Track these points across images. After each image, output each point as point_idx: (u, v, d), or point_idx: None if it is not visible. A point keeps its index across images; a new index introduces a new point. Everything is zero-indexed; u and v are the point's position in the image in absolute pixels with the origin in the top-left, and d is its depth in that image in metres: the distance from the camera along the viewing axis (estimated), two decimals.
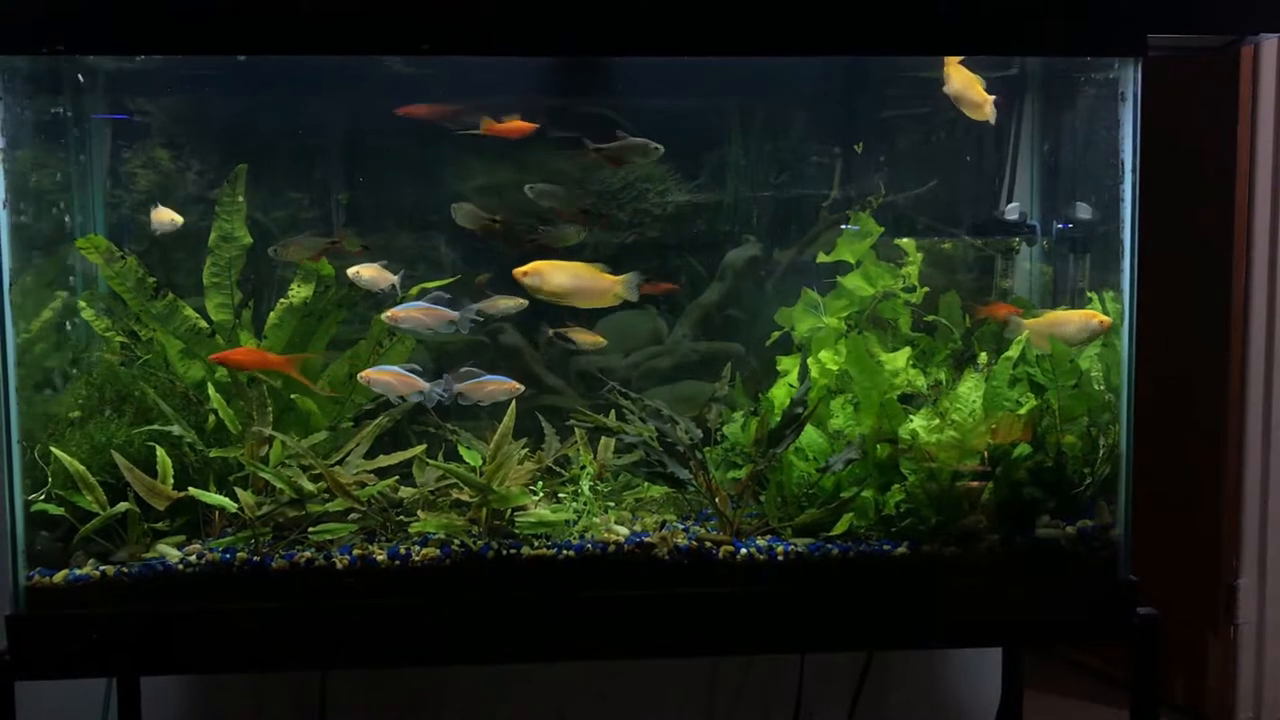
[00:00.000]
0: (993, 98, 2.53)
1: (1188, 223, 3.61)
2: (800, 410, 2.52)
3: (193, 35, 2.26)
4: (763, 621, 2.41)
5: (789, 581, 2.40)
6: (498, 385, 2.52)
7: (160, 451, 2.42)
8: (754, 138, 2.92)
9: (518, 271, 2.54)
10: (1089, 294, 2.69)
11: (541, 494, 2.55)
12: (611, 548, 2.41)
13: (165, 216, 2.58)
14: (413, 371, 2.48)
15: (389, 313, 2.53)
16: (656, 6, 2.29)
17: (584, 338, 2.73)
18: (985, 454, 2.48)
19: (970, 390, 2.49)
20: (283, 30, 2.26)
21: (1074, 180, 2.92)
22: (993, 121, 2.55)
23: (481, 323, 2.64)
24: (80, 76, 2.68)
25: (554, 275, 2.54)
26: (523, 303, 2.69)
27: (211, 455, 2.47)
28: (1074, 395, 2.55)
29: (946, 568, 2.43)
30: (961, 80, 2.52)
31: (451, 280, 2.71)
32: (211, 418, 2.52)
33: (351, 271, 2.55)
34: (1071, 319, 2.57)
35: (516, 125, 2.65)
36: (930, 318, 2.82)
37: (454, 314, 2.50)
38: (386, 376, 2.48)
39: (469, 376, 2.51)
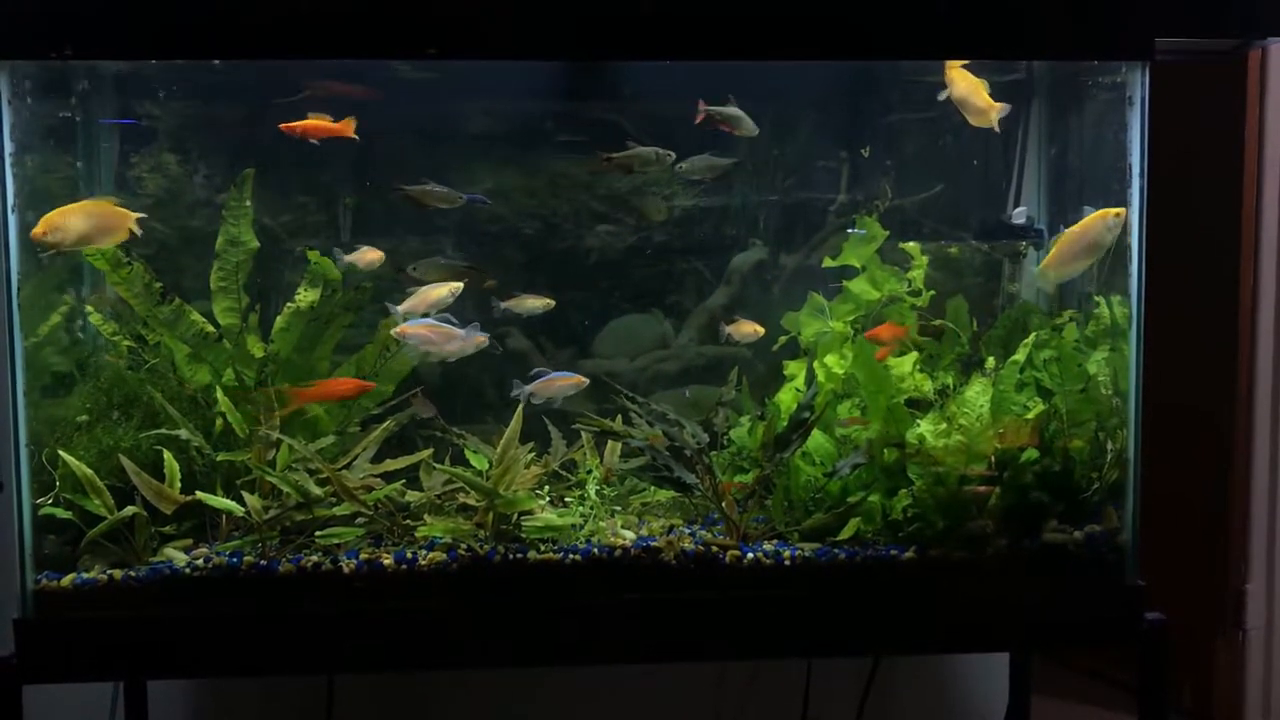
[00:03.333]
0: (1001, 105, 2.51)
1: (1195, 227, 3.60)
2: (807, 415, 2.51)
3: (199, 40, 2.26)
4: (769, 626, 2.41)
5: (796, 586, 2.40)
6: (565, 381, 2.57)
7: (167, 455, 2.42)
8: (760, 142, 2.91)
9: (35, 233, 2.29)
10: (1096, 298, 2.68)
11: (548, 498, 2.55)
12: (618, 552, 2.41)
13: (372, 256, 2.59)
14: (446, 323, 2.51)
15: (398, 329, 2.55)
16: (661, 10, 2.29)
17: (534, 302, 2.71)
18: (992, 458, 2.47)
19: (978, 394, 2.48)
20: (289, 35, 2.26)
21: (1081, 184, 2.92)
22: (997, 129, 2.53)
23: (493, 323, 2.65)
24: (87, 81, 2.69)
25: (71, 221, 2.32)
26: (550, 302, 2.69)
27: (219, 459, 2.47)
28: (1082, 399, 2.54)
29: (953, 572, 2.42)
30: (965, 85, 2.51)
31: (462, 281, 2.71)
32: (219, 421, 2.52)
33: (397, 330, 2.57)
34: (1089, 227, 2.48)
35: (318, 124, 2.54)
36: (937, 322, 2.81)
37: (460, 333, 2.52)
38: (422, 330, 2.50)
39: (538, 376, 2.56)
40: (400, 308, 2.56)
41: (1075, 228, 2.51)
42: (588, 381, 2.61)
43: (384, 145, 2.92)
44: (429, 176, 2.70)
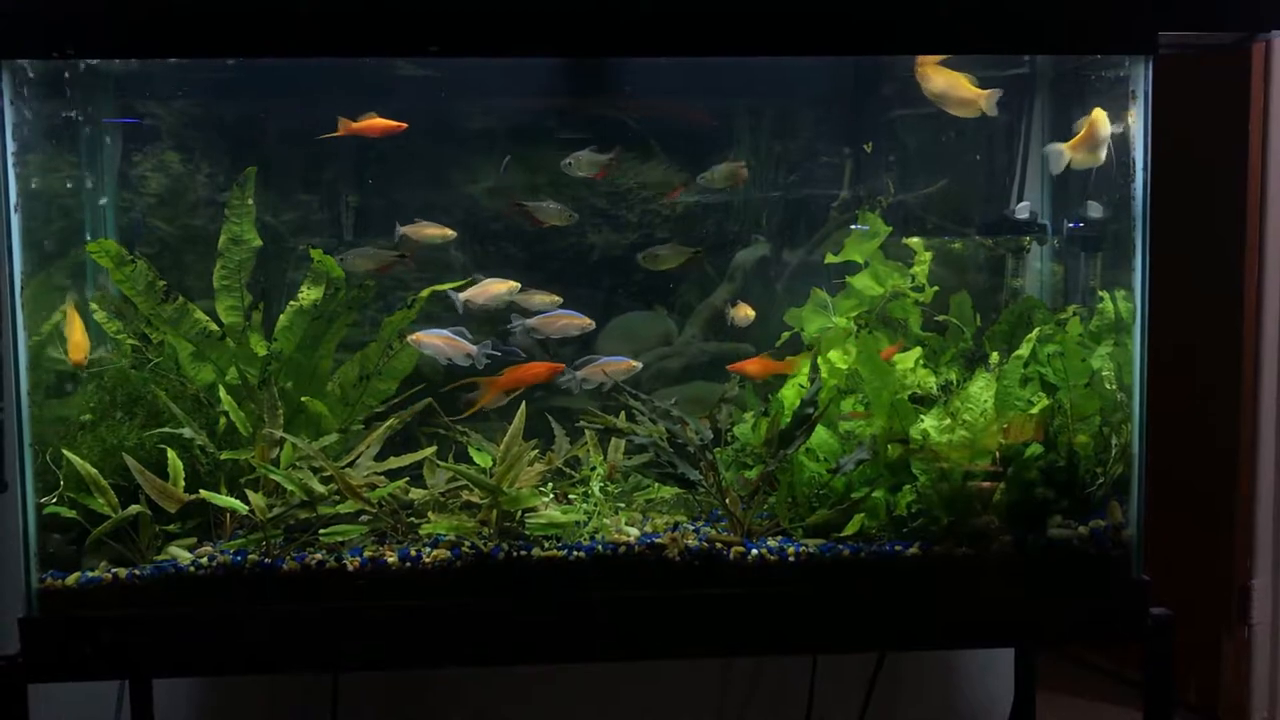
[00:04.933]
0: (987, 92, 2.50)
1: (1199, 220, 3.59)
2: (810, 410, 2.51)
3: (200, 38, 2.26)
4: (774, 623, 2.41)
5: (800, 582, 2.39)
6: (616, 366, 2.59)
7: (171, 454, 2.42)
8: (763, 138, 2.91)
9: (80, 360, 2.48)
10: (1100, 293, 2.68)
11: (552, 495, 2.54)
12: (622, 549, 2.41)
13: (432, 232, 2.63)
14: (459, 335, 2.54)
15: (413, 336, 2.58)
16: (662, 6, 2.29)
17: (541, 298, 2.72)
18: (997, 454, 2.47)
19: (981, 390, 2.48)
20: (290, 32, 2.26)
21: (1085, 179, 2.91)
22: (990, 113, 2.50)
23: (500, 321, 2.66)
24: (90, 80, 2.69)
25: (81, 334, 2.47)
26: (557, 299, 2.70)
27: (222, 458, 2.47)
28: (1086, 394, 2.54)
29: (958, 568, 2.42)
30: (944, 81, 2.49)
31: (465, 283, 2.71)
32: (222, 420, 2.52)
33: (412, 338, 2.60)
34: (1088, 125, 2.50)
35: (376, 123, 2.59)
36: (941, 317, 2.81)
37: (472, 348, 2.55)
38: (436, 340, 2.54)
39: (588, 362, 2.59)
40: (461, 296, 2.61)
41: (1096, 114, 2.52)
42: (640, 365, 2.62)
43: (386, 144, 2.92)
44: (430, 174, 2.70)
